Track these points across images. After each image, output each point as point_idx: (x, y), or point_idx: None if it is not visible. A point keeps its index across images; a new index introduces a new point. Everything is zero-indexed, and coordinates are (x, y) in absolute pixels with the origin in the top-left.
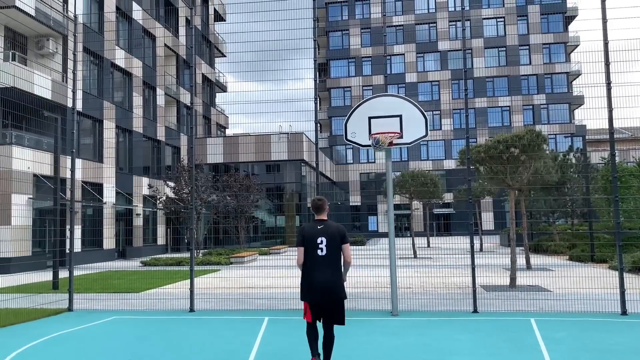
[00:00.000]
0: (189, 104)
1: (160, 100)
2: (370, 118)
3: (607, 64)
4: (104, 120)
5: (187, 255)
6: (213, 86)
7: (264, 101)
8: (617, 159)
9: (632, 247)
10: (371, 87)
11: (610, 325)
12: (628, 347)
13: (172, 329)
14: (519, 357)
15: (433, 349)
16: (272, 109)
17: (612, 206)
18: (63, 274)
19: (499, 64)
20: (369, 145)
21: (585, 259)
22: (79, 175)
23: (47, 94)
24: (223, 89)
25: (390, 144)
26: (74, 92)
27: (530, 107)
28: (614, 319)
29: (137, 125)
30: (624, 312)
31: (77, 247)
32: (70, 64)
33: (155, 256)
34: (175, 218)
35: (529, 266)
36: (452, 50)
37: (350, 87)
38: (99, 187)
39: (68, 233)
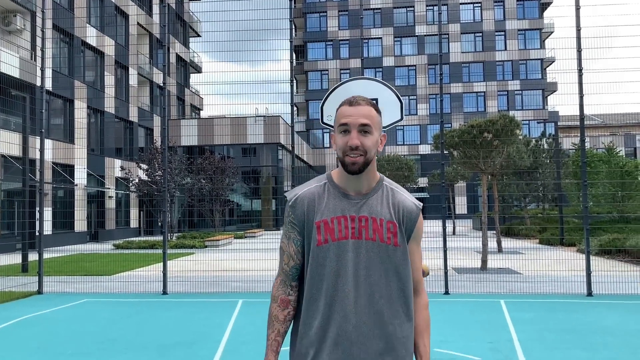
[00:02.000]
0: (162, 84)
1: (133, 80)
2: None
3: (579, 50)
4: (75, 100)
5: (160, 238)
6: (187, 67)
7: (239, 82)
8: (587, 145)
9: (600, 231)
10: (348, 71)
11: (576, 306)
12: (592, 327)
13: (144, 311)
14: (488, 338)
15: None
16: (248, 91)
17: (581, 191)
18: (33, 256)
19: (475, 49)
20: None
21: (554, 242)
22: (48, 156)
23: (14, 72)
24: (198, 69)
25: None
26: (42, 71)
27: (505, 93)
28: (580, 300)
29: (109, 105)
30: (589, 294)
31: (48, 229)
32: (38, 41)
33: (128, 239)
34: (149, 201)
35: (500, 249)
36: (429, 35)
37: (327, 70)
38: (70, 169)
39: (37, 215)
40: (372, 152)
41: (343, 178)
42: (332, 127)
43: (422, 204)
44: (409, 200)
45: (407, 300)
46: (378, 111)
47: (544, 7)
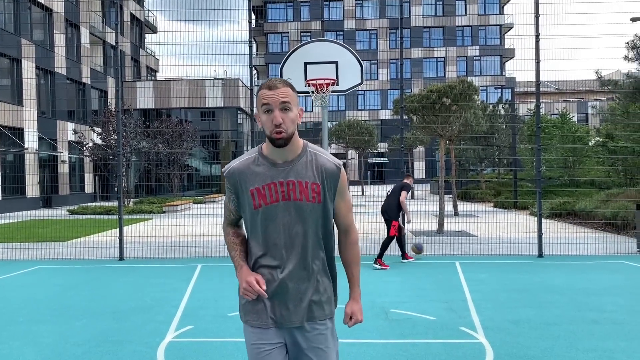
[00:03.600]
0: (115, 44)
1: (85, 39)
2: (306, 64)
3: (537, 15)
4: (23, 60)
5: (116, 203)
6: (142, 26)
7: (197, 43)
8: (542, 110)
9: (552, 195)
10: (309, 33)
11: (528, 267)
12: (542, 286)
13: (100, 277)
14: (443, 297)
15: (362, 291)
16: (206, 52)
17: (535, 156)
18: None
19: (435, 13)
20: (305, 92)
21: (508, 206)
22: None
23: None
24: (153, 29)
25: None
26: None
27: (464, 58)
28: (531, 261)
29: (60, 65)
30: (540, 255)
31: None
32: None
33: (83, 204)
34: (104, 165)
35: (456, 213)
36: None
37: (287, 32)
38: (19, 132)
39: None
40: (293, 126)
41: (271, 150)
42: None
43: (342, 162)
44: (330, 161)
45: (328, 244)
46: (294, 90)
47: None
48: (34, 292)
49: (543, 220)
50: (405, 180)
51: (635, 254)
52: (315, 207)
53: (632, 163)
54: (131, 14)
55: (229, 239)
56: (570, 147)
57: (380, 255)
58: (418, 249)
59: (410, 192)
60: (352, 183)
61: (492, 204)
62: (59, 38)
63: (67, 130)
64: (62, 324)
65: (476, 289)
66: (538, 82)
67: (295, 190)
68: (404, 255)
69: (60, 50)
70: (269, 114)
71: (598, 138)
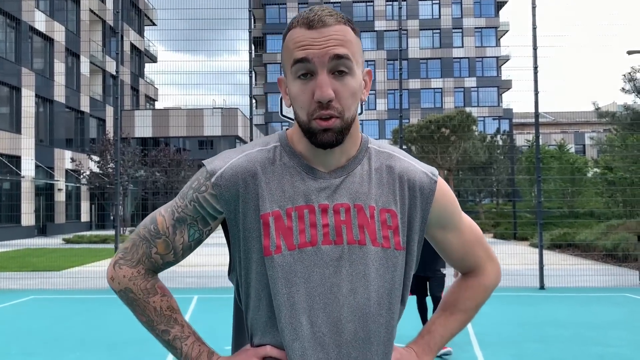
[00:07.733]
0: (115, 74)
1: (85, 68)
2: None
3: (534, 48)
4: (22, 88)
5: (112, 232)
6: (142, 56)
7: (196, 73)
8: (540, 141)
9: (551, 226)
10: None
11: (530, 299)
12: (545, 320)
13: (94, 308)
14: None
15: None
16: (205, 82)
17: (534, 186)
18: None
19: (432, 45)
20: None
21: (508, 236)
22: None
23: None
24: (153, 59)
25: None
26: None
27: (462, 89)
28: (533, 293)
29: (59, 94)
30: (542, 287)
31: None
32: None
33: (78, 233)
34: (100, 194)
35: None
36: (388, 30)
37: None
38: (16, 160)
39: None
40: (355, 106)
41: (308, 146)
42: (291, 119)
43: (437, 172)
44: (418, 168)
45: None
46: (357, 32)
47: (499, 5)
48: (27, 323)
49: (543, 251)
50: None
51: (637, 287)
52: (390, 258)
53: (631, 194)
54: (131, 44)
55: (157, 302)
56: (569, 178)
57: None
58: None
59: None
60: None
61: (492, 235)
62: (59, 67)
63: (65, 159)
64: (55, 357)
65: (478, 322)
66: (537, 114)
67: (351, 223)
68: None
69: (60, 79)
70: (307, 80)
71: (596, 169)
